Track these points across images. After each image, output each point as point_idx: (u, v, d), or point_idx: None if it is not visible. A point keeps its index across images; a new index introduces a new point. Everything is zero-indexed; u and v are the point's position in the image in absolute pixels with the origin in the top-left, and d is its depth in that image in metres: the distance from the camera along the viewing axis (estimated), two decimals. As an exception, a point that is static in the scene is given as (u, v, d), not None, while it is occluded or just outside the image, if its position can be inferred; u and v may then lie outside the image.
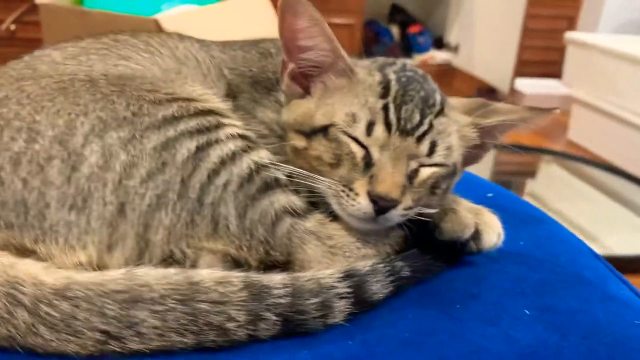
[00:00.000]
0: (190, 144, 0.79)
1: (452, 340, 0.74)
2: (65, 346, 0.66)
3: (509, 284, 0.87)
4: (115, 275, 0.70)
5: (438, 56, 5.23)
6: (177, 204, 0.77)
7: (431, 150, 0.83)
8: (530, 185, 3.81)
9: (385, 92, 0.84)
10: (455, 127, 0.87)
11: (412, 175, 0.83)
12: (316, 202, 0.87)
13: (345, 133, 0.83)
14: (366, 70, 0.88)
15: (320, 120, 0.86)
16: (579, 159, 3.87)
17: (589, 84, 4.00)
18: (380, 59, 0.93)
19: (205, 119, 0.83)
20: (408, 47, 5.17)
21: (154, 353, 0.67)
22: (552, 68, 4.55)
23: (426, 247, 0.87)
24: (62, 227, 0.72)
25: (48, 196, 0.72)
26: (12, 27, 3.54)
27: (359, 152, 0.83)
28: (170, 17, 2.48)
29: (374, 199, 0.80)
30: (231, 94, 0.99)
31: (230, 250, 0.78)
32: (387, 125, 0.82)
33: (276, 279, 0.74)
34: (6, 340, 0.66)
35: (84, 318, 0.66)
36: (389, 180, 0.79)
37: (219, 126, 0.83)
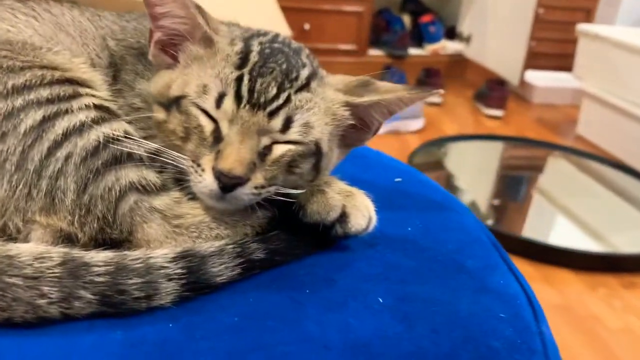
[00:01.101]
0: (37, 114, 0.76)
1: (281, 326, 0.69)
2: None
3: (376, 271, 0.81)
4: None
5: (450, 46, 5.11)
6: (14, 175, 0.74)
7: (286, 127, 0.78)
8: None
9: (242, 62, 0.80)
10: (322, 104, 0.82)
11: (265, 153, 0.78)
12: (183, 180, 0.83)
13: (196, 105, 0.79)
14: (229, 39, 0.83)
15: (174, 90, 0.82)
16: (587, 155, 3.73)
17: (599, 78, 3.85)
18: (254, 30, 0.88)
19: (61, 89, 0.79)
20: (419, 37, 5.06)
21: (-45, 327, 0.65)
22: (567, 61, 4.38)
23: (292, 229, 0.82)
24: None
25: None
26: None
27: (207, 125, 0.78)
28: None
29: (217, 175, 0.75)
30: (115, 65, 0.96)
31: (62, 225, 0.75)
32: (238, 98, 0.77)
33: (100, 256, 0.71)
34: None
35: None
36: (233, 156, 0.75)
37: (74, 96, 0.80)
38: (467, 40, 5.11)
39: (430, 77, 4.43)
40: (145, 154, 0.80)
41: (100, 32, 0.98)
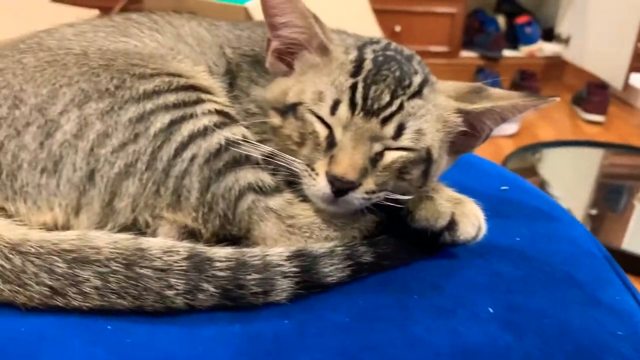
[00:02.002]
0: (165, 118, 0.82)
1: (390, 328, 0.71)
2: (15, 297, 0.71)
3: (483, 279, 0.81)
4: (69, 236, 0.74)
5: (547, 48, 4.91)
6: (145, 174, 0.80)
7: (398, 133, 0.80)
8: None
9: (357, 70, 0.82)
10: (434, 111, 0.83)
11: (376, 158, 0.80)
12: (296, 183, 0.87)
13: (311, 111, 0.82)
14: (343, 48, 0.86)
15: (291, 97, 0.85)
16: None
17: None
18: (366, 37, 0.90)
19: (186, 94, 0.85)
20: (514, 38, 4.90)
21: (94, 311, 0.71)
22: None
23: (400, 235, 0.84)
24: (32, 189, 0.78)
25: (20, 159, 0.78)
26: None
27: (322, 131, 0.81)
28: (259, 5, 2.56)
29: (331, 180, 0.78)
30: (231, 72, 1.02)
31: (187, 221, 0.80)
32: (352, 105, 0.79)
33: (222, 252, 0.75)
34: (-35, 283, 0.72)
35: (33, 273, 0.71)
36: (347, 162, 0.77)
37: (197, 102, 0.85)
38: (565, 41, 4.88)
39: (525, 79, 4.28)
40: (261, 157, 0.85)
41: (217, 41, 1.04)
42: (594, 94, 4.06)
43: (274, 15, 0.86)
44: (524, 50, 4.85)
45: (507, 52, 4.78)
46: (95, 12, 2.67)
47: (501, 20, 5.00)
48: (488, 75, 4.25)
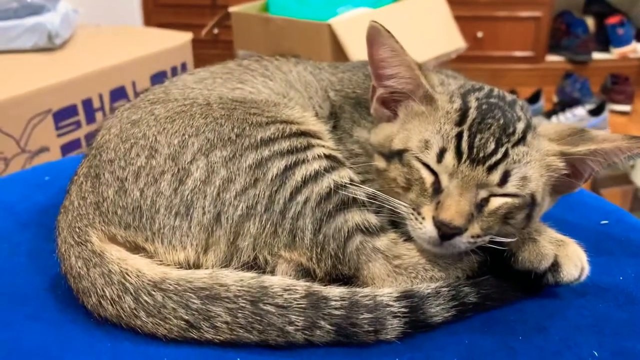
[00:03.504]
0: (280, 163, 0.89)
1: (498, 371, 0.75)
2: (157, 329, 0.81)
3: (587, 321, 0.83)
4: (201, 275, 0.84)
5: (641, 49, 4.68)
6: (264, 216, 0.88)
7: (503, 180, 0.83)
8: None
9: (461, 119, 0.86)
10: (537, 156, 0.86)
11: (482, 204, 0.84)
12: (397, 222, 0.92)
13: (418, 159, 0.87)
14: (447, 96, 0.90)
15: (397, 144, 0.91)
16: None
17: None
18: (468, 84, 0.94)
19: (298, 141, 0.92)
20: (605, 40, 4.70)
21: (224, 344, 0.80)
22: None
23: (502, 276, 0.87)
24: (168, 230, 0.87)
25: (158, 204, 0.87)
26: (215, 30, 4.04)
27: (428, 177, 0.86)
28: (343, 21, 2.63)
29: (438, 225, 0.82)
30: (335, 114, 1.08)
31: (303, 260, 0.87)
32: (458, 153, 0.84)
33: (335, 291, 0.82)
34: (116, 318, 0.83)
35: (172, 308, 0.81)
36: (454, 208, 0.82)
37: (308, 147, 0.92)
38: (662, 41, 4.64)
39: (617, 83, 4.11)
40: (365, 198, 0.90)
41: (322, 85, 1.11)
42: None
43: (382, 67, 0.92)
44: (615, 53, 4.64)
45: (597, 55, 4.59)
46: (189, 35, 2.84)
47: (590, 21, 4.81)
48: (576, 80, 4.12)
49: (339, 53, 2.57)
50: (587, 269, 0.86)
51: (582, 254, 0.86)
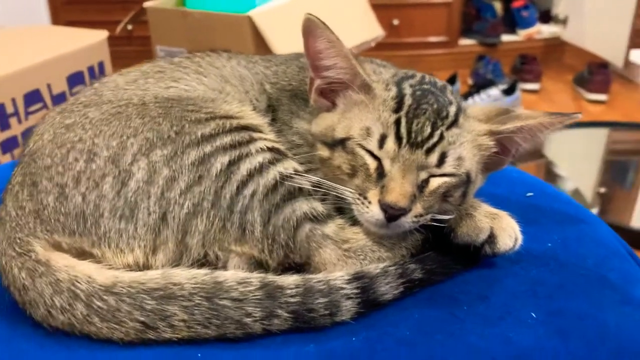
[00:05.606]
0: (224, 158, 0.90)
1: (449, 339, 0.80)
2: (112, 333, 0.80)
3: (523, 287, 0.90)
4: (153, 275, 0.83)
5: (545, 30, 4.96)
6: (211, 212, 0.88)
7: (441, 161, 0.88)
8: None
9: (398, 106, 0.90)
10: (469, 136, 0.91)
11: (422, 185, 0.89)
12: (342, 208, 0.95)
13: (361, 146, 0.90)
14: (383, 85, 0.94)
15: (339, 133, 0.93)
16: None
17: None
18: (401, 72, 0.98)
19: (239, 135, 0.93)
20: (512, 23, 4.95)
21: (183, 342, 0.80)
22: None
23: (444, 250, 0.92)
24: (114, 234, 0.86)
25: (102, 208, 0.86)
26: (129, 27, 3.91)
27: (372, 163, 0.89)
28: (264, 13, 2.62)
29: (384, 207, 0.86)
30: (272, 107, 1.10)
31: (254, 253, 0.89)
32: (398, 138, 0.88)
33: (290, 279, 0.84)
34: (68, 327, 0.81)
35: (127, 311, 0.80)
36: (398, 191, 0.85)
37: (250, 141, 0.93)
38: (563, 22, 4.94)
39: (526, 63, 4.35)
40: (311, 187, 0.93)
41: (257, 78, 1.12)
42: (595, 74, 4.12)
43: (320, 59, 0.94)
44: (522, 34, 4.89)
45: (506, 37, 4.84)
46: (105, 32, 2.75)
47: (497, 5, 5.04)
48: (489, 62, 4.32)
49: (260, 45, 2.56)
50: (520, 238, 0.92)
51: (515, 225, 0.93)
